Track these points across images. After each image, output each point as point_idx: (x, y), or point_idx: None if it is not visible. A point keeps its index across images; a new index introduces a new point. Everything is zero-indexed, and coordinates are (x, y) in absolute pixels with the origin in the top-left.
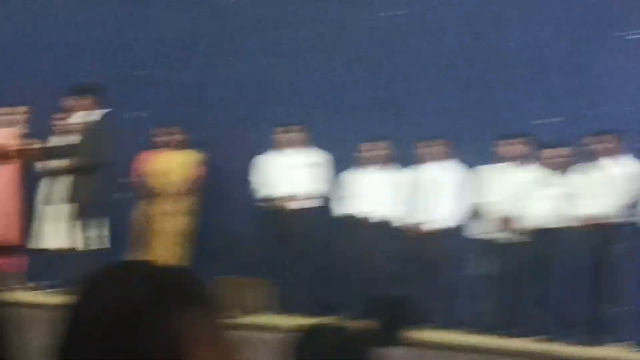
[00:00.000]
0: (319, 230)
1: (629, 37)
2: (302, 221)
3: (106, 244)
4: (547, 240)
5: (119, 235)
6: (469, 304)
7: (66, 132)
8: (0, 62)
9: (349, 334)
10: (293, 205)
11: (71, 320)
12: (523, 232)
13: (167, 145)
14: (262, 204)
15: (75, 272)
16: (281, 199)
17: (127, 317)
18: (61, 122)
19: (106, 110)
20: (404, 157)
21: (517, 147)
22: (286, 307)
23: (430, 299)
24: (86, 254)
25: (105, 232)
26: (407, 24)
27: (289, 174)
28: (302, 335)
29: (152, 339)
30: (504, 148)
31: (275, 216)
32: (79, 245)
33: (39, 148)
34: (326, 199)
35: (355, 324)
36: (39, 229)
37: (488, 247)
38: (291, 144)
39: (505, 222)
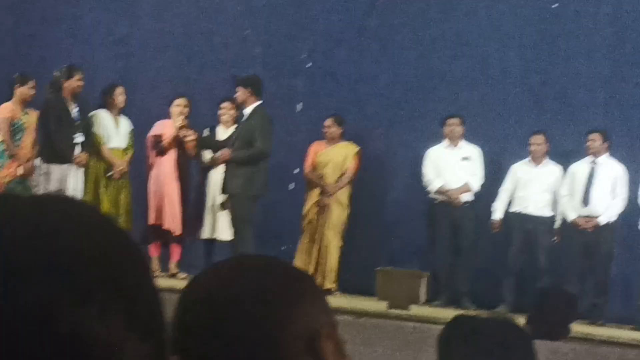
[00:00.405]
0: (484, 224)
1: None
2: (470, 214)
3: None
4: None
5: (291, 225)
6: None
7: (227, 122)
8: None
9: (498, 324)
10: (465, 197)
11: (202, 305)
12: None
13: (330, 138)
14: (436, 196)
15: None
16: (454, 191)
17: (258, 309)
18: (223, 113)
19: (258, 103)
20: (562, 151)
21: None
22: (448, 300)
23: (598, 295)
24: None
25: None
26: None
27: (458, 166)
28: (448, 326)
29: (279, 333)
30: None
31: (447, 208)
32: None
33: (199, 138)
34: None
35: (510, 316)
36: (213, 219)
37: None
38: (454, 137)
39: None
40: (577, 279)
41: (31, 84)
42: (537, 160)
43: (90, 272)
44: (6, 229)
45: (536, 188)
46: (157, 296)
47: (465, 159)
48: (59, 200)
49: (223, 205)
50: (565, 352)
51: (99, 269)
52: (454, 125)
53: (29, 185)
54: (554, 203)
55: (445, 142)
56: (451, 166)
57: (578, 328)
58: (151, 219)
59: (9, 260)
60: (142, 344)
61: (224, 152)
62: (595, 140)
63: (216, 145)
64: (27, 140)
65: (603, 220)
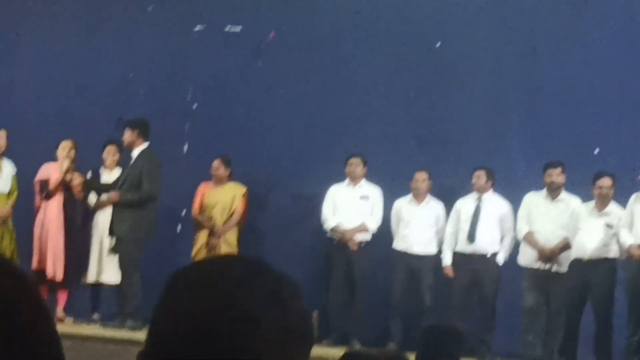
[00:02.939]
0: (378, 263)
1: None
2: (363, 254)
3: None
4: (589, 270)
5: (178, 266)
6: (514, 335)
7: (110, 165)
8: (47, 97)
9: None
10: (360, 237)
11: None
12: (568, 263)
13: (217, 179)
14: (330, 234)
15: (124, 306)
16: (349, 231)
17: (245, 314)
18: (108, 156)
19: (146, 145)
20: (446, 188)
21: (560, 176)
22: (337, 338)
23: (485, 330)
24: (130, 288)
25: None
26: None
27: (356, 205)
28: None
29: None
30: (549, 176)
31: (343, 248)
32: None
33: (86, 182)
34: (379, 233)
35: (401, 353)
36: (97, 263)
37: (534, 277)
38: (355, 177)
39: (552, 252)
40: (464, 315)
41: None
42: (419, 198)
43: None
44: None
45: (419, 226)
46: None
47: (363, 197)
48: None
49: (114, 249)
50: None
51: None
52: (354, 165)
53: None
54: (439, 240)
55: (346, 181)
56: (349, 204)
57: None
58: (34, 264)
59: None
60: None
61: (112, 195)
62: (480, 177)
63: (103, 188)
64: None
65: (500, 260)
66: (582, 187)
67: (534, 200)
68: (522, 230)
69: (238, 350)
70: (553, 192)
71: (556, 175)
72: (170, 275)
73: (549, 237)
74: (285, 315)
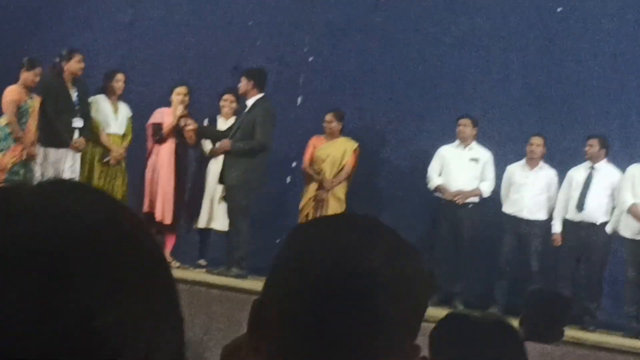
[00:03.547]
0: (485, 225)
1: None
2: (471, 216)
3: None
4: None
5: (288, 218)
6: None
7: (227, 114)
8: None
9: (492, 324)
10: (466, 199)
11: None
12: None
13: (329, 133)
14: (436, 193)
15: (231, 254)
16: (455, 192)
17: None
18: (224, 105)
19: (261, 95)
20: (560, 155)
21: None
22: (440, 299)
23: (590, 300)
24: (238, 236)
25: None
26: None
27: (466, 167)
28: (440, 324)
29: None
30: None
31: (451, 208)
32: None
33: (199, 128)
34: (491, 196)
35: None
36: (209, 209)
37: (637, 249)
38: (464, 138)
39: None
40: (570, 282)
41: (37, 70)
42: (532, 163)
43: (124, 271)
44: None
45: (531, 191)
46: (175, 289)
47: (473, 159)
48: (78, 190)
49: (224, 197)
50: (556, 356)
51: (131, 268)
52: (464, 126)
53: (31, 167)
54: (549, 206)
55: (456, 142)
56: (458, 166)
57: (569, 332)
58: (145, 207)
59: (54, 259)
60: (171, 336)
61: (224, 143)
62: (593, 145)
63: (216, 136)
64: (32, 124)
65: (609, 230)
66: None
67: (637, 172)
68: (627, 201)
69: (357, 302)
70: None
71: None
72: (293, 229)
73: None
74: (403, 273)
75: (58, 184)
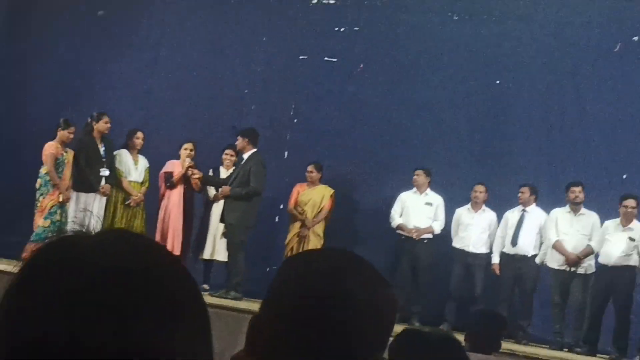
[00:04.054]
0: (438, 257)
1: None
2: (426, 249)
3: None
4: (613, 275)
5: (276, 251)
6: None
7: (228, 165)
8: (178, 105)
9: (442, 338)
10: (424, 236)
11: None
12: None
13: (310, 181)
14: (398, 231)
15: (230, 281)
16: (418, 230)
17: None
18: (226, 158)
19: (254, 150)
20: (498, 198)
21: (581, 193)
22: (401, 318)
23: (523, 318)
24: (235, 266)
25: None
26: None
27: (422, 210)
28: (398, 336)
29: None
30: (572, 193)
31: (409, 243)
32: (228, 258)
33: (203, 177)
34: (440, 233)
35: (450, 332)
36: (212, 243)
37: (559, 277)
38: (419, 186)
39: (577, 257)
40: (507, 304)
41: (72, 129)
42: (476, 207)
43: (182, 301)
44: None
45: (475, 230)
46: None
47: (428, 203)
48: (130, 238)
49: (224, 234)
50: None
51: (186, 298)
52: (418, 176)
53: (66, 209)
54: (490, 242)
55: (414, 189)
56: (415, 209)
57: (505, 345)
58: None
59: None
60: (208, 351)
61: (225, 189)
62: (525, 192)
63: (218, 183)
64: (67, 173)
65: (538, 261)
66: (609, 205)
67: (560, 215)
68: (552, 238)
69: (335, 322)
70: (575, 207)
71: (578, 192)
72: (284, 261)
73: (575, 245)
74: (374, 297)
75: (115, 233)
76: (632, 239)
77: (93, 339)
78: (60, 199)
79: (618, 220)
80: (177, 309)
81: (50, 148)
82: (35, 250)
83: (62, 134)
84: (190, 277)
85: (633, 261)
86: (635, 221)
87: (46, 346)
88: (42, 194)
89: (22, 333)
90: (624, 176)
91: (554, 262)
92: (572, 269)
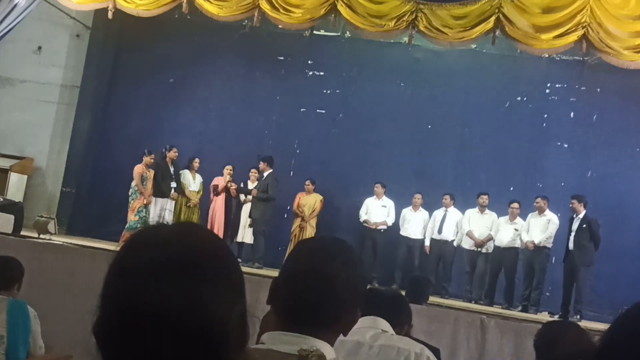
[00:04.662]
0: (390, 241)
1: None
2: (382, 236)
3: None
4: (504, 253)
5: (285, 237)
6: (462, 284)
7: (253, 180)
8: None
9: (393, 294)
10: (381, 226)
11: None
12: (493, 249)
13: (307, 191)
14: (363, 223)
15: (254, 256)
16: (373, 223)
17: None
18: (251, 175)
19: (271, 171)
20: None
21: (486, 199)
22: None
23: (441, 280)
24: (258, 245)
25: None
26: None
27: (379, 210)
28: (365, 294)
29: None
30: (482, 200)
31: (371, 232)
32: (253, 241)
33: (238, 188)
34: (393, 225)
35: (396, 290)
36: (243, 230)
37: (470, 254)
38: (378, 194)
39: (482, 241)
40: (434, 272)
41: (152, 156)
42: (415, 208)
43: (232, 273)
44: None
45: (415, 223)
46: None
47: (384, 206)
48: (196, 228)
49: (250, 225)
50: (425, 312)
51: (234, 269)
52: (377, 188)
53: (149, 209)
54: (424, 231)
55: (374, 197)
56: (375, 209)
57: (433, 299)
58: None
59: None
60: (240, 305)
61: (253, 192)
62: (447, 199)
63: (247, 192)
64: (149, 185)
65: (455, 244)
66: (503, 207)
67: (471, 213)
68: (466, 228)
69: (324, 289)
70: (482, 208)
71: (485, 198)
72: (295, 245)
73: (481, 233)
74: (351, 272)
75: (183, 224)
76: (516, 230)
77: (168, 298)
78: (145, 202)
79: (507, 217)
80: (227, 275)
81: (137, 169)
82: (129, 236)
83: (146, 159)
84: (232, 252)
85: (517, 244)
86: (518, 218)
87: (137, 303)
88: (132, 199)
89: (121, 293)
90: (511, 188)
91: (467, 244)
92: (479, 249)
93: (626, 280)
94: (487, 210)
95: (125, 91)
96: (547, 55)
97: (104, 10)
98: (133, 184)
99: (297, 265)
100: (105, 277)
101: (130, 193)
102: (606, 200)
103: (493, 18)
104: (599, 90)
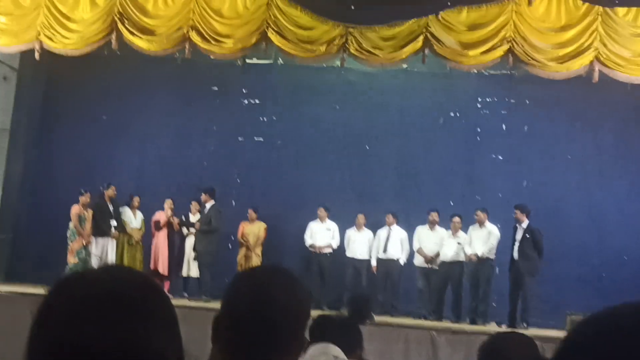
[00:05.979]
0: (336, 262)
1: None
2: (328, 259)
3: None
4: (449, 267)
5: (231, 268)
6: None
7: (194, 213)
8: (154, 175)
9: (343, 320)
10: (326, 250)
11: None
12: (439, 264)
13: (251, 219)
14: (309, 248)
15: (201, 288)
16: (319, 247)
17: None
18: (192, 208)
19: (213, 202)
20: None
21: (437, 216)
22: (316, 306)
23: (389, 299)
24: (204, 278)
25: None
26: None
27: (323, 233)
28: (315, 321)
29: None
30: (432, 217)
31: (316, 256)
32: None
33: (180, 221)
34: (338, 249)
35: (345, 315)
36: (187, 265)
37: (422, 271)
38: (322, 218)
39: (432, 258)
40: (382, 290)
41: (88, 195)
42: (359, 228)
43: (162, 310)
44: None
45: (360, 243)
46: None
47: (328, 229)
48: (127, 273)
49: (195, 258)
50: (372, 332)
51: (163, 307)
52: (320, 211)
53: (89, 250)
54: (370, 251)
55: (318, 220)
56: (320, 233)
57: (380, 318)
58: (152, 266)
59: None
60: (177, 342)
61: (197, 225)
62: (389, 217)
63: (191, 224)
64: (87, 225)
65: (401, 262)
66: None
67: (422, 230)
68: (416, 246)
69: (266, 317)
70: (432, 225)
71: (435, 216)
72: (234, 275)
73: (431, 249)
74: (295, 299)
75: (113, 266)
76: (459, 244)
77: (97, 337)
78: (84, 243)
79: (450, 231)
80: (160, 312)
81: (74, 209)
82: (57, 281)
83: (82, 199)
84: (163, 290)
85: (461, 258)
86: (460, 231)
87: (65, 344)
88: (71, 240)
89: (49, 335)
90: (451, 203)
91: (418, 261)
92: (430, 265)
93: (567, 284)
94: (437, 227)
95: (59, 131)
96: (476, 71)
97: (31, 51)
98: (71, 225)
99: (235, 300)
100: (33, 321)
101: (68, 235)
102: (543, 208)
103: (421, 37)
104: (527, 102)
